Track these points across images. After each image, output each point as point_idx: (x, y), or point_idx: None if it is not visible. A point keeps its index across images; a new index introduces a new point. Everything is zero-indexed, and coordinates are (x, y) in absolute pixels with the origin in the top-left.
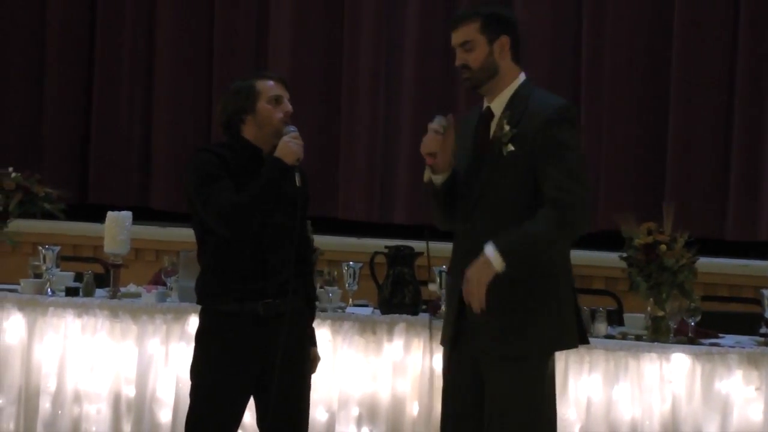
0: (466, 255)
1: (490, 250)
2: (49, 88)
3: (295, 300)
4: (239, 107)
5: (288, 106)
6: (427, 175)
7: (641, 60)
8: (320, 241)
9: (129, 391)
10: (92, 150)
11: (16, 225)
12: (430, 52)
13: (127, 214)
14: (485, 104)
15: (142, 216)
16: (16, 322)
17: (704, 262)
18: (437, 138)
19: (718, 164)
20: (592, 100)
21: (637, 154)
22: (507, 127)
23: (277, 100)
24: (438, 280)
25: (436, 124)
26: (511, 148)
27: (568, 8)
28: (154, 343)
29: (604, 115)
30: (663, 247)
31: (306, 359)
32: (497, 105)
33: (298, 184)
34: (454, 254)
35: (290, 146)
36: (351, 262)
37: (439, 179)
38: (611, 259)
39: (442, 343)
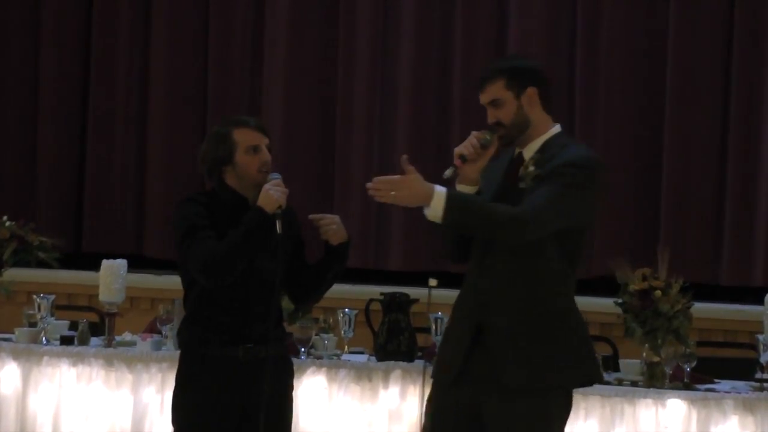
0: (476, 292)
1: (440, 192)
2: (43, 136)
3: (278, 347)
4: (218, 158)
5: (266, 155)
6: (449, 173)
7: (634, 104)
8: None
9: None
10: (86, 198)
11: (11, 274)
12: (423, 95)
13: (122, 263)
14: (516, 150)
15: (136, 264)
16: (10, 371)
17: (699, 308)
18: (475, 145)
19: (712, 210)
20: (584, 143)
21: (631, 199)
22: (532, 168)
23: (255, 150)
24: (433, 327)
25: (481, 133)
26: (530, 184)
27: (561, 43)
28: (149, 391)
29: None
30: (658, 292)
31: (288, 408)
32: (528, 151)
33: (279, 230)
34: (463, 290)
35: (271, 194)
36: (346, 309)
37: (466, 190)
38: (606, 304)
39: (438, 381)
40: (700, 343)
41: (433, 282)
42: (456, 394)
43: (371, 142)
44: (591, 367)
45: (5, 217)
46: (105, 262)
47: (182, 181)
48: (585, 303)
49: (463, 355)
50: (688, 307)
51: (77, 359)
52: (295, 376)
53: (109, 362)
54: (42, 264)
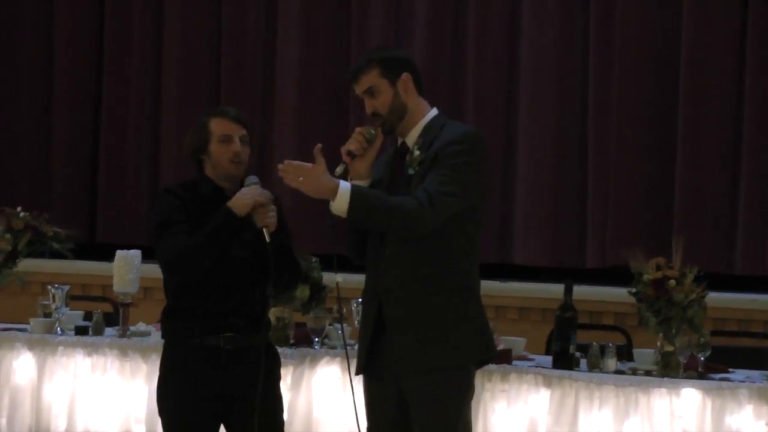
0: (377, 279)
1: (344, 189)
2: (56, 128)
3: (261, 338)
4: (196, 146)
5: (237, 146)
6: (340, 170)
7: (649, 94)
8: (329, 278)
9: (139, 430)
10: (100, 189)
11: (25, 265)
12: (435, 87)
13: (136, 253)
14: (399, 140)
15: (151, 254)
16: (25, 361)
17: (713, 297)
18: (361, 141)
19: (726, 199)
20: (599, 134)
21: (645, 189)
22: (417, 152)
23: (227, 140)
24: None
25: (365, 128)
26: (416, 169)
27: (575, 46)
28: None
29: (611, 150)
30: (672, 282)
31: (277, 397)
32: (411, 138)
33: (268, 240)
34: (367, 280)
35: (244, 199)
36: (360, 299)
37: (362, 184)
38: (620, 294)
39: (358, 371)
40: (715, 333)
41: (339, 278)
42: (376, 384)
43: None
44: (486, 346)
45: (19, 208)
46: (119, 253)
47: (195, 171)
48: (599, 293)
49: (368, 349)
50: (703, 297)
51: (92, 349)
52: (310, 365)
53: (123, 352)
54: (56, 255)
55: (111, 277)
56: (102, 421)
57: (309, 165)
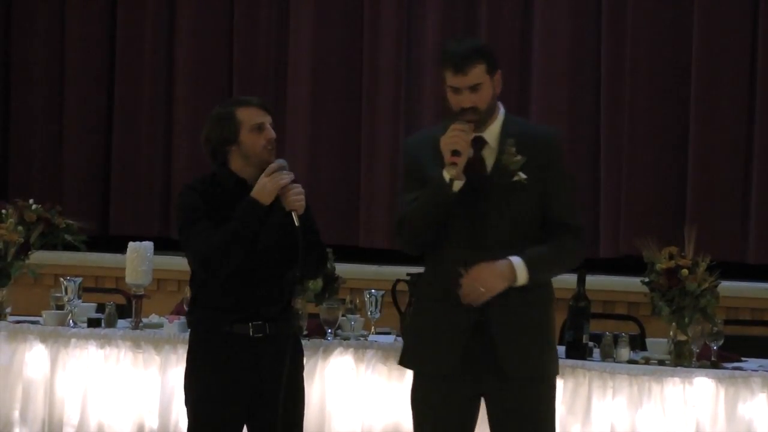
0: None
1: (518, 263)
2: (69, 120)
3: (288, 326)
4: (223, 138)
5: (271, 133)
6: (450, 173)
7: (661, 84)
8: (342, 269)
9: (152, 422)
10: (113, 181)
11: (38, 257)
12: None
13: (148, 245)
14: (472, 134)
15: (163, 246)
16: (38, 353)
17: (726, 286)
18: (465, 138)
19: (739, 187)
20: (612, 123)
21: (657, 178)
22: (519, 156)
23: (260, 128)
24: None
25: (463, 124)
26: (523, 175)
27: (588, 39)
28: (177, 373)
29: (624, 140)
30: (685, 271)
31: (301, 388)
32: (490, 134)
33: (296, 223)
34: (454, 281)
35: (266, 186)
36: (373, 290)
37: (458, 184)
38: (633, 284)
39: (429, 374)
40: (728, 322)
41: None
42: (455, 385)
43: (397, 128)
44: (556, 355)
45: (32, 200)
46: (132, 245)
47: (207, 163)
48: (612, 282)
49: (463, 347)
50: (715, 286)
51: (105, 341)
52: (323, 356)
53: (136, 344)
54: (69, 247)
55: (124, 269)
56: (115, 413)
57: (474, 275)
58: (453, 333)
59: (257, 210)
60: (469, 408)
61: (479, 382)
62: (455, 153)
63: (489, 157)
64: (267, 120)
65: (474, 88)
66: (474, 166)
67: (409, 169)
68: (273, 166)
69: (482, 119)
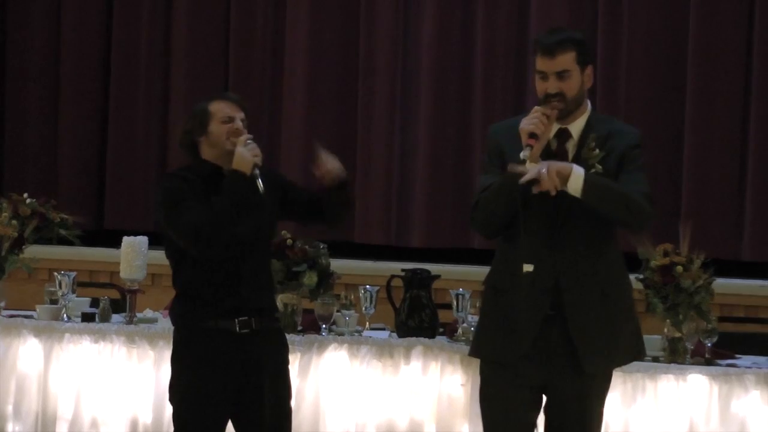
0: (553, 271)
1: (578, 169)
2: (64, 113)
3: (272, 320)
4: (193, 129)
5: (237, 125)
6: (526, 154)
7: (656, 80)
8: (337, 265)
9: (146, 417)
10: (108, 176)
11: (32, 251)
12: (445, 74)
13: (143, 240)
14: (557, 126)
15: (158, 241)
16: (32, 348)
17: (721, 283)
18: (545, 122)
19: (733, 185)
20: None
21: (652, 175)
22: (597, 151)
23: (228, 121)
24: (455, 303)
25: (546, 108)
26: (600, 168)
27: (583, 15)
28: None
29: None
30: (679, 268)
31: (287, 382)
32: (575, 128)
33: (261, 189)
34: (527, 268)
35: (244, 156)
36: (367, 286)
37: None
38: None
39: (499, 362)
40: (722, 319)
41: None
42: (523, 373)
43: (393, 122)
44: (639, 345)
45: (26, 195)
46: (126, 239)
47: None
48: None
49: (534, 335)
50: (710, 283)
51: (99, 336)
52: (317, 352)
53: (130, 339)
54: (63, 241)
55: (118, 264)
56: (109, 407)
57: (554, 169)
58: (526, 320)
59: (242, 179)
60: (532, 398)
61: (547, 373)
62: (532, 135)
63: (571, 151)
64: (238, 115)
65: (561, 75)
66: (557, 158)
67: (491, 153)
68: (244, 137)
69: (569, 109)
